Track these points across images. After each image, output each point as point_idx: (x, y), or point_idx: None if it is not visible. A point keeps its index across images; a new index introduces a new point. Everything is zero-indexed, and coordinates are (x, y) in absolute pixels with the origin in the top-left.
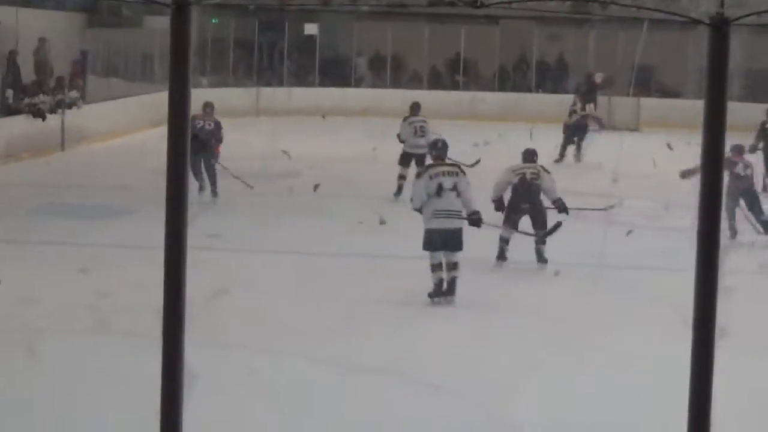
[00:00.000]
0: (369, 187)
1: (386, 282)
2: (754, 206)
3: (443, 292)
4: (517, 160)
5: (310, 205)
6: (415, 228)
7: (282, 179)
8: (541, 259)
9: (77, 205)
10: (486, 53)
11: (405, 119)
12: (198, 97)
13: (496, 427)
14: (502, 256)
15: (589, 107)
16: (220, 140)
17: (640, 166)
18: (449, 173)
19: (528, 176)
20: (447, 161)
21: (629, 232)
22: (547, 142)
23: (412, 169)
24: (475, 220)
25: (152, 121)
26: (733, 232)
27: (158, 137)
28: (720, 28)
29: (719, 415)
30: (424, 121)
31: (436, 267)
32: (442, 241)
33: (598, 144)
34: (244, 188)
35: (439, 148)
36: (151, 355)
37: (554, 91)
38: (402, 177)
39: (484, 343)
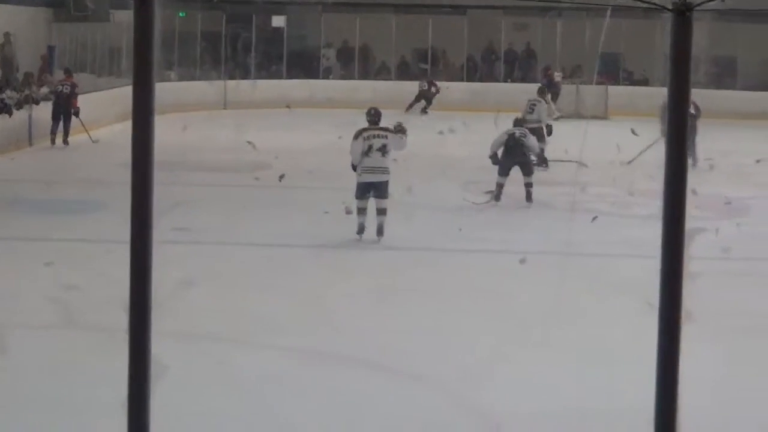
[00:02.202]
0: (335, 178)
1: (354, 272)
2: (692, 142)
3: (363, 231)
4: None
5: (277, 197)
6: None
7: (248, 171)
8: (529, 199)
9: (44, 201)
10: (454, 43)
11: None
12: (166, 89)
13: (467, 415)
14: (498, 197)
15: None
16: (74, 96)
17: (606, 154)
18: (379, 136)
19: (517, 135)
20: (379, 126)
21: (594, 218)
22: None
23: None
24: (401, 129)
25: (119, 115)
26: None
27: (125, 131)
28: (683, 13)
29: (686, 398)
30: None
31: (361, 211)
32: (370, 191)
33: (564, 132)
34: (212, 181)
35: (372, 115)
36: (119, 348)
37: (522, 80)
38: None
39: (451, 331)
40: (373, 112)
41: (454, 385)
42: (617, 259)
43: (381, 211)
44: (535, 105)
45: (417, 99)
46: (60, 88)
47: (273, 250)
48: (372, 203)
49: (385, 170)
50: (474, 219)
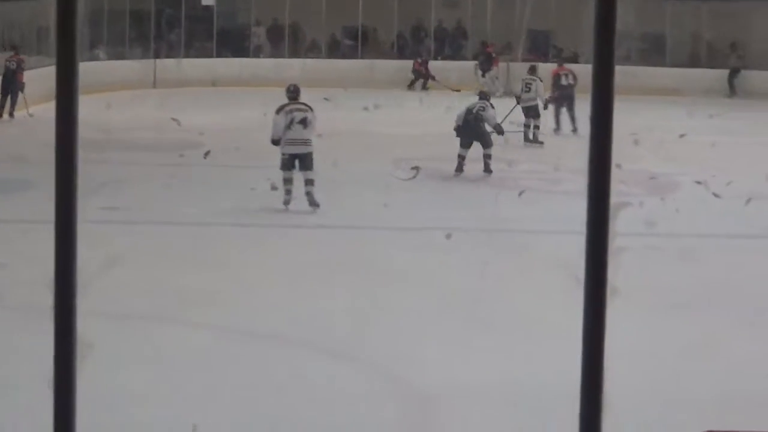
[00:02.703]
0: (261, 155)
1: (280, 249)
2: (571, 109)
3: (291, 200)
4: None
5: (203, 175)
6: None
7: (175, 150)
8: (488, 170)
9: None
10: (384, 21)
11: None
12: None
13: (396, 391)
14: (460, 169)
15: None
16: (21, 71)
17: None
18: (300, 109)
19: (475, 109)
20: (299, 101)
21: (521, 193)
22: (439, 104)
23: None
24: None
25: (48, 94)
26: (558, 127)
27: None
28: None
29: (612, 371)
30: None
31: (287, 181)
32: (295, 163)
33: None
34: (139, 160)
35: (292, 92)
36: (44, 327)
37: (453, 58)
38: None
39: (378, 308)
40: (292, 88)
41: (383, 361)
42: (544, 235)
43: (309, 182)
44: (530, 84)
45: (416, 77)
46: (8, 64)
47: (199, 228)
48: (299, 176)
49: (307, 141)
50: (401, 196)
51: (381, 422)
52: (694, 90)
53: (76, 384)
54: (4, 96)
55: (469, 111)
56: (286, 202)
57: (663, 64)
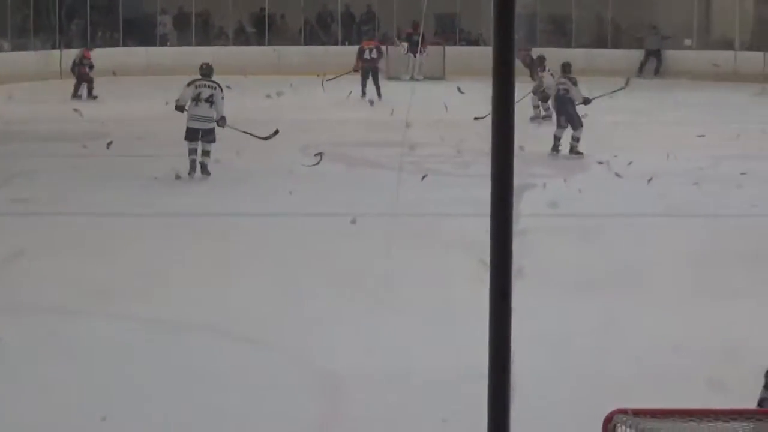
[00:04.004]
0: (165, 144)
1: (187, 239)
2: (376, 79)
3: (197, 171)
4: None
5: (107, 165)
6: (215, 183)
7: (79, 141)
8: (576, 152)
9: None
10: (291, 7)
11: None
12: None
13: (308, 377)
14: (555, 149)
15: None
16: None
17: (437, 114)
18: (208, 86)
19: (561, 90)
20: (209, 79)
21: (424, 177)
22: (340, 90)
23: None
24: (221, 123)
25: None
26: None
27: None
28: None
29: (518, 353)
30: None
31: (191, 152)
32: (198, 135)
33: (394, 92)
34: (43, 152)
35: (204, 69)
36: None
37: (360, 43)
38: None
39: (287, 295)
40: (204, 66)
41: (293, 348)
42: (448, 218)
43: (205, 153)
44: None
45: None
46: None
47: (105, 219)
48: (200, 145)
49: (210, 119)
50: (305, 182)
51: (290, 409)
52: (599, 71)
53: None
54: None
55: (557, 91)
56: (192, 171)
57: (568, 45)
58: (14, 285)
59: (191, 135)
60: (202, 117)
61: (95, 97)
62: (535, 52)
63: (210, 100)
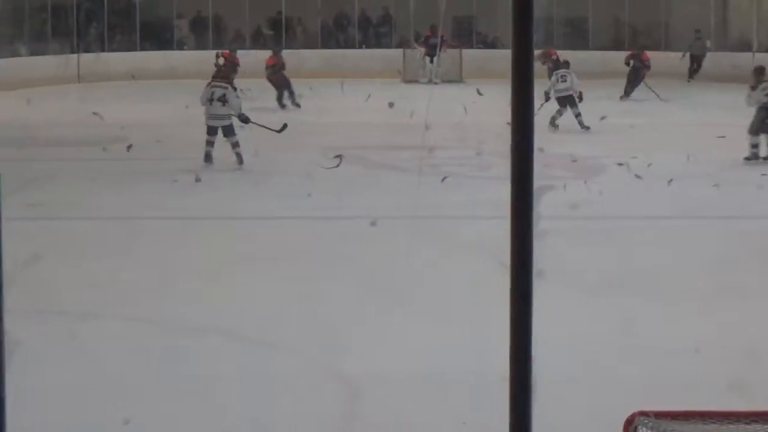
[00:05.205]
0: (184, 147)
1: (205, 241)
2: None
3: (212, 161)
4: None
5: (126, 169)
6: (234, 186)
7: (98, 144)
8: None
9: None
10: (308, 10)
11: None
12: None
13: (327, 381)
14: (754, 156)
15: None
16: None
17: (455, 116)
18: (220, 87)
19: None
20: (221, 80)
21: (444, 179)
22: (362, 95)
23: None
24: (241, 118)
25: None
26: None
27: None
28: None
29: (539, 355)
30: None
31: (208, 143)
32: (216, 132)
33: (413, 95)
34: (62, 156)
35: (217, 71)
36: None
37: (377, 46)
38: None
39: (306, 297)
40: (218, 68)
41: (312, 351)
42: (468, 220)
43: (234, 145)
44: (566, 75)
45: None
46: None
47: (125, 222)
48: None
49: (224, 117)
50: (325, 184)
51: (309, 413)
52: (616, 73)
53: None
54: None
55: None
56: (207, 160)
57: (585, 48)
58: (32, 288)
59: (210, 131)
60: (217, 115)
61: None
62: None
63: (222, 99)
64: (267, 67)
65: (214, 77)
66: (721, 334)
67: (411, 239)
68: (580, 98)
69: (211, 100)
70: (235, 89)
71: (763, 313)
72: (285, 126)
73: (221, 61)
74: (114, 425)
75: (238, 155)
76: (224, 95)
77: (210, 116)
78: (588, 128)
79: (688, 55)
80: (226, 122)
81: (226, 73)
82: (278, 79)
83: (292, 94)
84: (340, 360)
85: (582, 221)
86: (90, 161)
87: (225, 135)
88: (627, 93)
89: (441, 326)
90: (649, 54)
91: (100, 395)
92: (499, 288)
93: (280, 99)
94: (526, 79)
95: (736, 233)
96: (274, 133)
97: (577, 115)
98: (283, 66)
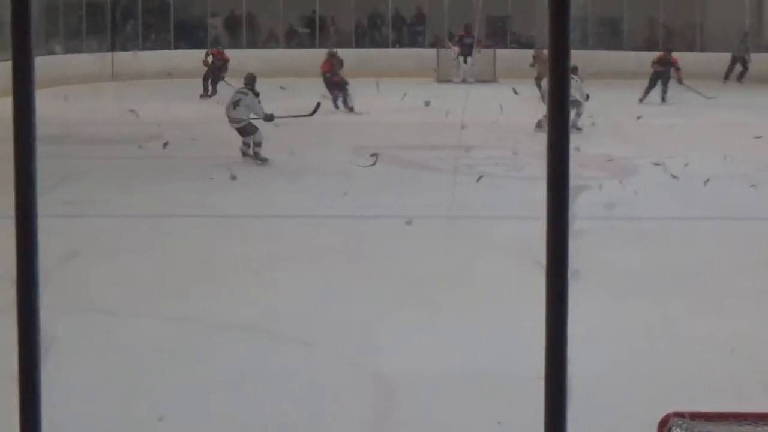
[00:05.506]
0: (219, 145)
1: (241, 239)
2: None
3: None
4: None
5: (161, 166)
6: (269, 184)
7: (133, 142)
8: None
9: None
10: (342, 9)
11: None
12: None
13: (361, 380)
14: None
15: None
16: None
17: (490, 116)
18: (239, 92)
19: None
20: (244, 87)
21: (479, 178)
22: (399, 94)
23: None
24: (266, 119)
25: (2, 89)
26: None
27: (9, 106)
28: None
29: (575, 356)
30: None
31: (244, 144)
32: (242, 133)
33: (447, 95)
34: (98, 154)
35: (249, 79)
36: (7, 322)
37: (411, 46)
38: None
39: (341, 296)
40: (250, 77)
41: (346, 350)
42: (503, 220)
43: (256, 144)
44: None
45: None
46: None
47: (159, 220)
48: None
49: (240, 120)
50: (360, 183)
51: (345, 411)
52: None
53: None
54: None
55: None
56: (243, 155)
57: (619, 48)
58: (69, 285)
59: (238, 132)
60: (233, 119)
61: None
62: (585, 54)
63: (237, 104)
64: (322, 74)
65: (205, 76)
66: (756, 335)
67: (446, 238)
68: (586, 99)
69: (234, 105)
70: (257, 94)
71: None
72: (318, 106)
73: (210, 59)
74: (148, 422)
75: (256, 154)
76: (240, 101)
77: (229, 119)
78: (580, 130)
79: (730, 55)
80: (239, 125)
81: (217, 70)
82: (333, 83)
83: (346, 98)
84: (376, 359)
85: (617, 221)
86: (126, 159)
87: (242, 136)
88: (646, 94)
89: (476, 325)
90: (684, 55)
91: (135, 391)
92: (534, 287)
93: (335, 102)
94: (563, 79)
95: None
96: (310, 131)
97: (577, 115)
98: (341, 64)
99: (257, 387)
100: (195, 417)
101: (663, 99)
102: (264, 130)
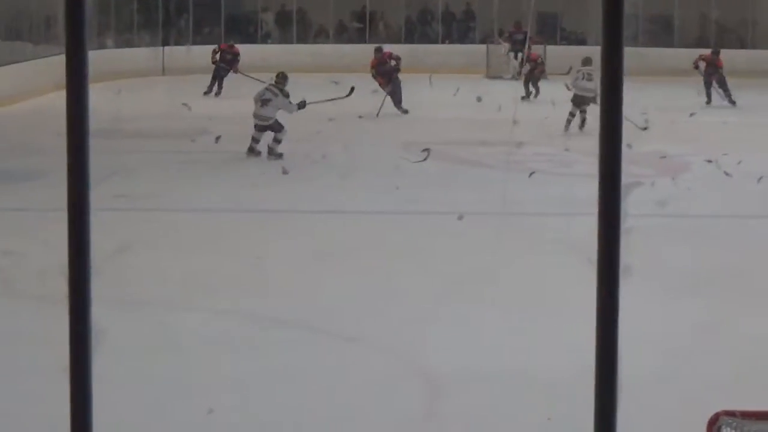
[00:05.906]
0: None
1: (291, 235)
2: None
3: (256, 152)
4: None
5: (213, 161)
6: (320, 179)
7: (185, 136)
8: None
9: None
10: (392, 5)
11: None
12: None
13: (409, 376)
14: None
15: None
16: None
17: (541, 112)
18: (267, 90)
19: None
20: (271, 84)
21: (531, 174)
22: (449, 90)
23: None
24: (301, 106)
25: (57, 83)
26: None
27: (62, 100)
28: None
29: (626, 353)
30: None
31: (254, 139)
32: (265, 129)
33: (498, 91)
34: (149, 148)
35: (281, 78)
36: (59, 314)
37: (460, 42)
38: None
39: (391, 292)
40: (282, 76)
41: (396, 346)
42: (555, 217)
43: (275, 140)
44: (592, 74)
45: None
46: None
47: (210, 214)
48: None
49: (267, 118)
50: (411, 178)
51: (390, 408)
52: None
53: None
54: None
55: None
56: (248, 151)
57: (671, 45)
58: (120, 279)
59: (257, 128)
60: (259, 116)
61: None
62: (637, 52)
63: (264, 102)
64: (371, 68)
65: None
66: None
67: (497, 235)
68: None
69: (257, 102)
70: (287, 95)
71: None
72: (352, 89)
73: (218, 55)
74: (198, 414)
75: (272, 149)
76: (269, 100)
77: (255, 116)
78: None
79: None
80: (264, 123)
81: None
82: (386, 82)
83: (399, 101)
84: (423, 355)
85: (669, 219)
86: (178, 153)
87: (272, 130)
88: (709, 97)
89: (527, 322)
90: (736, 53)
91: (184, 384)
92: (586, 284)
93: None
94: (616, 76)
95: None
96: (361, 126)
97: (584, 119)
98: (396, 64)
99: (303, 383)
100: (244, 410)
101: (731, 101)
102: (316, 125)
